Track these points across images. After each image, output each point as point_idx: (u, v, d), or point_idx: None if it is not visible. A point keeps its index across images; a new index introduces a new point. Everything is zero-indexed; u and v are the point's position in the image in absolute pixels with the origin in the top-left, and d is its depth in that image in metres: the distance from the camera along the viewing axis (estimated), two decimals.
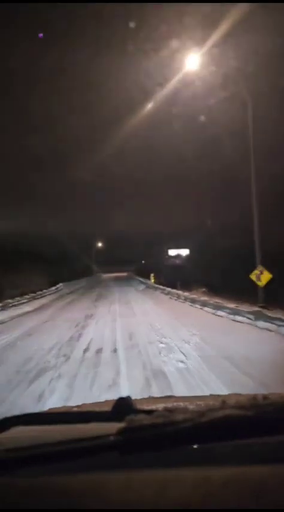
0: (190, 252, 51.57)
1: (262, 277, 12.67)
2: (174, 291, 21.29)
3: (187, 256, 51.17)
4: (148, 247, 59.38)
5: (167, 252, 54.34)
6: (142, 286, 32.30)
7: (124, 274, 60.74)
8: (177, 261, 48.90)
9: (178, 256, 51.97)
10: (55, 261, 38.99)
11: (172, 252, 54.02)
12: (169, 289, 22.95)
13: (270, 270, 12.81)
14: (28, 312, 16.42)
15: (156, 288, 27.12)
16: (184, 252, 52.65)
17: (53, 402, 4.96)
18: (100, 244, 54.64)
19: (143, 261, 65.64)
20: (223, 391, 4.88)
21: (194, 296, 17.76)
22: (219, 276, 24.85)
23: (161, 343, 8.63)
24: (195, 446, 0.71)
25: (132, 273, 57.71)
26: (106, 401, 1.15)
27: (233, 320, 11.59)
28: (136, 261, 65.55)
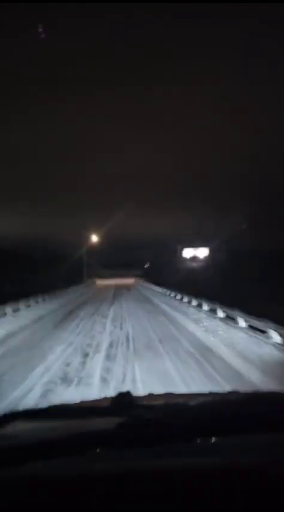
0: (210, 252, 41.61)
1: None
2: None
3: (206, 258, 41.20)
4: (148, 248, 50.67)
5: (181, 252, 44.42)
6: None
7: (130, 280, 43.00)
8: (194, 264, 38.91)
9: (195, 258, 41.99)
10: (37, 264, 29.49)
11: (187, 253, 44.11)
12: None
13: None
14: None
15: None
16: (202, 252, 42.72)
17: None
18: (95, 239, 40.84)
19: (147, 264, 59.59)
20: None
21: None
22: None
23: None
24: (195, 442, 0.71)
25: (140, 279, 41.63)
26: (106, 397, 1.17)
27: None
28: (138, 264, 58.42)
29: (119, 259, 64.70)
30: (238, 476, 0.60)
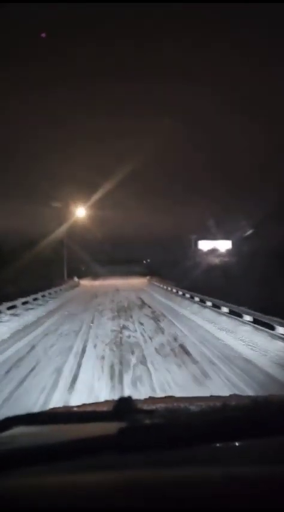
0: (233, 245, 33.04)
1: None
2: None
3: (229, 252, 32.59)
4: (149, 242, 46.86)
5: (195, 244, 35.78)
6: None
7: (138, 281, 29.37)
8: (216, 260, 30.29)
9: (214, 251, 33.31)
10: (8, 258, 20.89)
11: (204, 245, 35.42)
12: None
13: None
14: None
15: None
16: (224, 244, 34.07)
17: None
18: (82, 214, 26.18)
19: (147, 260, 55.22)
20: None
21: None
22: None
23: None
24: (196, 447, 0.71)
25: (152, 278, 29.04)
26: (107, 401, 1.21)
27: None
28: (138, 261, 54.17)
29: (118, 255, 57.16)
30: (239, 484, 0.60)
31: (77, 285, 26.49)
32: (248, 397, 1.35)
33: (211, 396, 1.49)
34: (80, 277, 31.14)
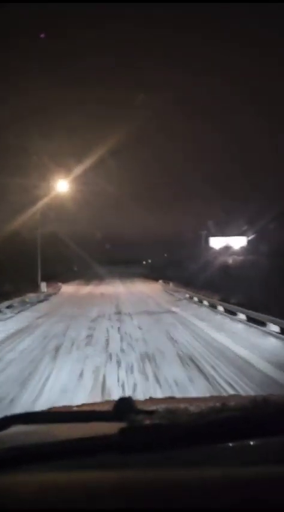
0: (248, 242, 28.90)
1: None
2: None
3: (244, 250, 28.45)
4: (148, 245, 47.47)
5: (206, 241, 31.61)
6: None
7: (151, 286, 24.15)
8: (230, 260, 26.20)
9: (228, 249, 29.10)
10: None
11: (216, 242, 31.21)
12: None
13: None
14: None
15: None
16: (238, 241, 29.88)
17: None
18: (64, 188, 19.13)
19: (147, 261, 53.36)
20: None
21: None
22: None
23: None
24: (196, 447, 0.72)
25: (167, 283, 23.23)
26: (107, 401, 1.20)
27: None
28: (139, 261, 53.34)
29: (118, 255, 53.92)
30: (239, 484, 0.61)
31: (45, 297, 16.67)
32: (248, 397, 1.31)
33: (211, 397, 1.60)
34: (68, 280, 25.92)
